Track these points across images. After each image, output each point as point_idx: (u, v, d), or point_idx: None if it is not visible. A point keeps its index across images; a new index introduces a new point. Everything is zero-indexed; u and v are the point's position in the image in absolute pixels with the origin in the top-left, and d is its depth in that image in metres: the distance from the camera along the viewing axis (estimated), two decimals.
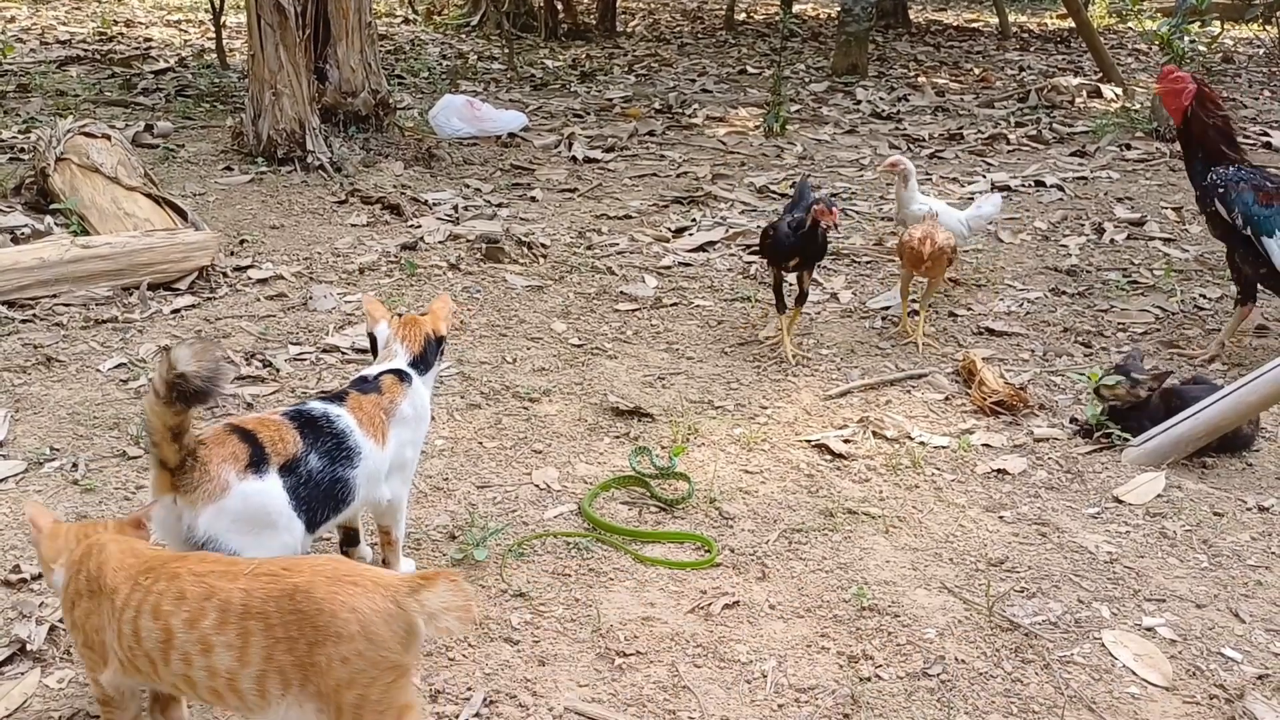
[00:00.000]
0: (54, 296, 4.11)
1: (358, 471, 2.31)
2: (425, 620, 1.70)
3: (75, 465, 3.02)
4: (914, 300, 4.22)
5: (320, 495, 2.25)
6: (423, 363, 2.54)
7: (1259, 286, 4.06)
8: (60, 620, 2.35)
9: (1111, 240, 5.42)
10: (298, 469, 2.21)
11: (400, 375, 2.49)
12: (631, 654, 2.36)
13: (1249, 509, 3.04)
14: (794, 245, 3.78)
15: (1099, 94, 9.38)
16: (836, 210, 3.69)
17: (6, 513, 2.80)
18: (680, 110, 8.48)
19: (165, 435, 2.00)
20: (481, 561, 2.65)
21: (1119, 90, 9.35)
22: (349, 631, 1.68)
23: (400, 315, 2.62)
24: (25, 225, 4.64)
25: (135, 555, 1.89)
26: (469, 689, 2.23)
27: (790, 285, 4.04)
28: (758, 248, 4.11)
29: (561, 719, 2.17)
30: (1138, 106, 8.44)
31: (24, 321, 3.94)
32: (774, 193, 6.11)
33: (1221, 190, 3.98)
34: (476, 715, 2.16)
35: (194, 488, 2.06)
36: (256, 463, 2.15)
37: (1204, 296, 4.68)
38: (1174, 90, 4.01)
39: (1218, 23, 9.45)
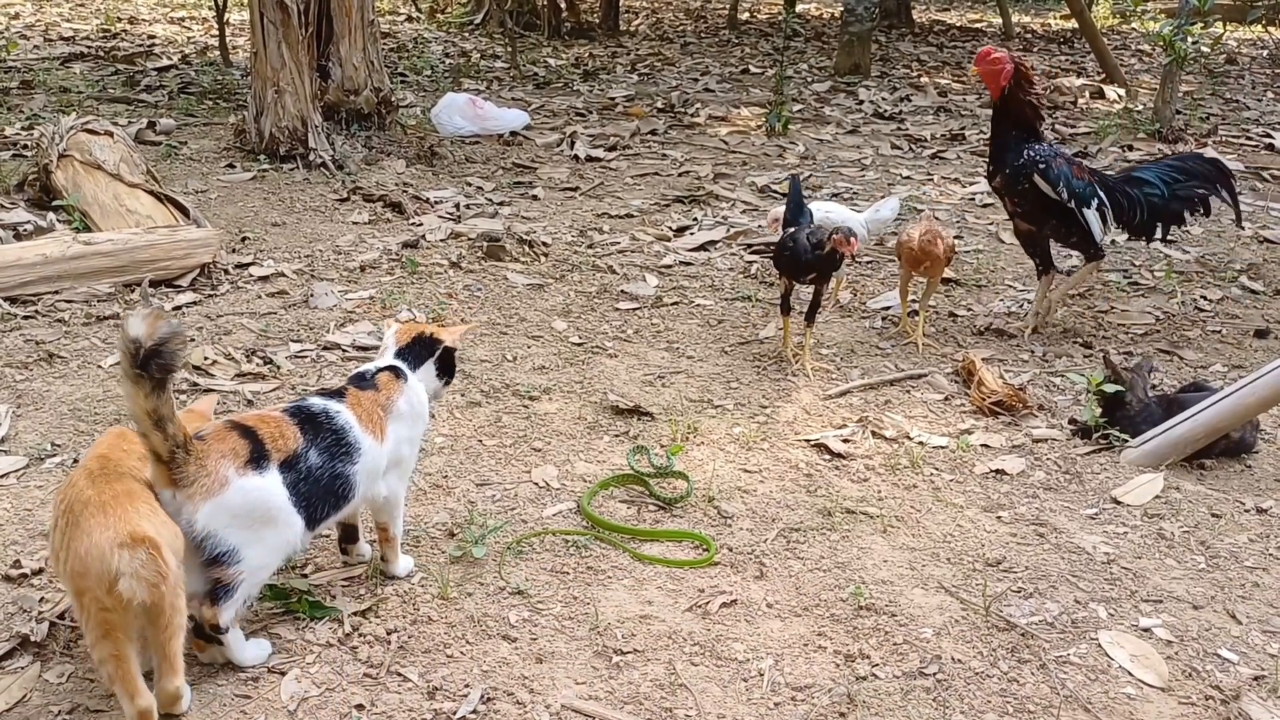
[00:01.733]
0: (56, 293, 4.12)
1: (358, 468, 2.32)
2: (120, 574, 1.90)
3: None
4: (914, 300, 4.22)
5: (320, 491, 2.26)
6: (410, 356, 2.53)
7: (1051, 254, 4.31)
8: (60, 615, 2.37)
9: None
10: (298, 465, 2.22)
11: (396, 372, 2.50)
12: (629, 652, 2.37)
13: (1247, 510, 3.04)
14: (811, 262, 3.75)
15: (1101, 95, 9.39)
16: (856, 241, 3.66)
17: (8, 507, 2.80)
18: (682, 109, 8.49)
19: (148, 422, 2.00)
20: (480, 559, 2.66)
21: (1122, 91, 9.35)
22: (79, 551, 1.93)
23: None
24: (28, 222, 4.65)
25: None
26: (466, 685, 2.24)
27: (798, 291, 4.02)
28: (773, 259, 4.05)
29: (559, 716, 2.18)
30: (1140, 107, 8.44)
31: (26, 318, 3.96)
32: (775, 192, 6.11)
33: (1043, 166, 4.04)
34: (474, 712, 2.17)
35: (191, 482, 2.07)
36: (257, 459, 2.15)
37: (1204, 298, 4.68)
38: (993, 71, 4.03)
39: (1220, 24, 9.44)
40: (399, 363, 2.52)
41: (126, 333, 1.93)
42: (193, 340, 3.84)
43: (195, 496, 2.07)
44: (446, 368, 2.61)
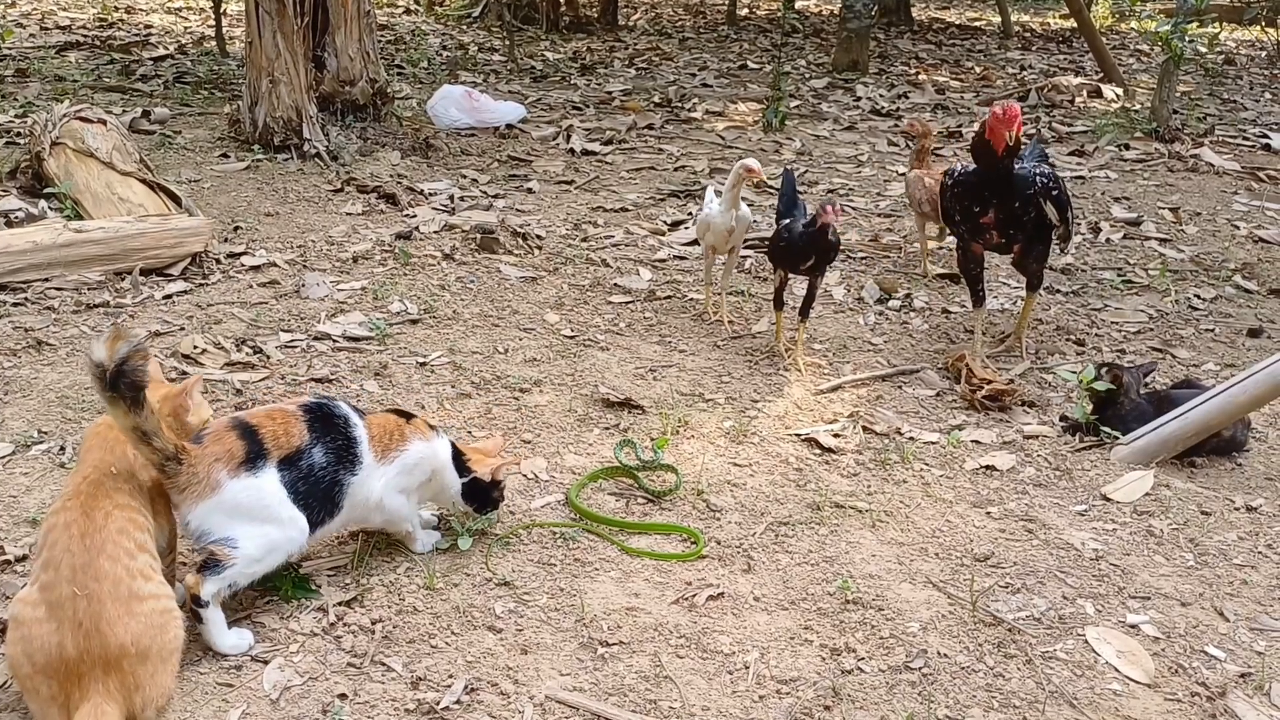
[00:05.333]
0: (46, 280, 4.10)
1: (355, 479, 2.37)
2: None
3: (63, 448, 3.02)
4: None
5: (319, 494, 2.30)
6: (454, 456, 2.59)
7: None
8: None
9: (1107, 240, 5.42)
10: (299, 463, 2.26)
11: (436, 430, 2.58)
12: (614, 644, 2.36)
13: (1237, 508, 3.04)
14: (807, 247, 3.73)
15: (1099, 94, 9.38)
16: (837, 206, 3.61)
17: None
18: (680, 104, 8.46)
19: (134, 438, 2.07)
20: (466, 550, 2.65)
21: (1119, 90, 9.34)
22: None
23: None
24: (19, 209, 4.62)
25: None
26: (450, 676, 2.23)
27: (791, 286, 4.00)
28: (768, 252, 4.03)
29: (543, 707, 2.17)
30: (1138, 107, 8.43)
31: (15, 305, 3.94)
32: (771, 189, 6.09)
33: (1055, 191, 3.71)
34: (458, 702, 2.16)
35: (184, 488, 2.15)
36: (252, 458, 2.20)
37: (1198, 297, 4.67)
38: (1010, 124, 3.53)
39: (1218, 24, 9.44)
40: (444, 438, 2.59)
41: (91, 358, 1.99)
42: (181, 329, 3.82)
43: (188, 500, 2.16)
44: (475, 495, 2.63)
